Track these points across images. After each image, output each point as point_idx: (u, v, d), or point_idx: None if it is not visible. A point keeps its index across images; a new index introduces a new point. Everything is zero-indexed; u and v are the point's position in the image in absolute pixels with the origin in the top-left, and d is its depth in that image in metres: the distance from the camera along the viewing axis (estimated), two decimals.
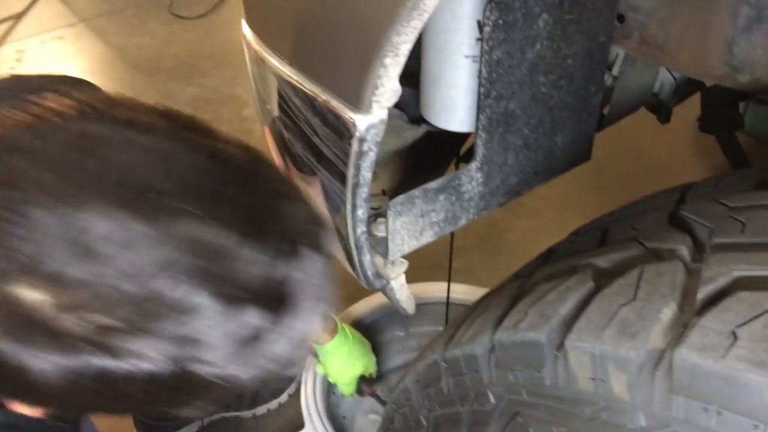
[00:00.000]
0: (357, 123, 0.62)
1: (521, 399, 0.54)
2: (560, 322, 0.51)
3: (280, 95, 0.72)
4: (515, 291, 0.61)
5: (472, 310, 0.66)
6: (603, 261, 0.54)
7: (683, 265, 0.52)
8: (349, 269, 0.88)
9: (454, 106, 0.88)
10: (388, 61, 0.57)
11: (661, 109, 1.21)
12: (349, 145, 0.63)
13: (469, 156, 1.15)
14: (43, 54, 2.89)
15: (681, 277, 0.49)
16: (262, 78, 0.76)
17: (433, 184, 0.85)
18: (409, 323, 1.61)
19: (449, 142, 1.05)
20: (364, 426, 1.43)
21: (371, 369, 1.20)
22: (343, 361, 1.14)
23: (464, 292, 1.50)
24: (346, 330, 1.15)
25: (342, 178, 0.69)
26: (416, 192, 0.84)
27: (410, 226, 0.87)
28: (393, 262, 0.90)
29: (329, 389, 1.39)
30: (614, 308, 0.48)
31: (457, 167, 1.14)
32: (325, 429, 1.24)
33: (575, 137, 0.98)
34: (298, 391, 1.55)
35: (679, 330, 0.45)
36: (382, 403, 1.28)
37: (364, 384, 1.25)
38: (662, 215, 0.61)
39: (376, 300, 1.52)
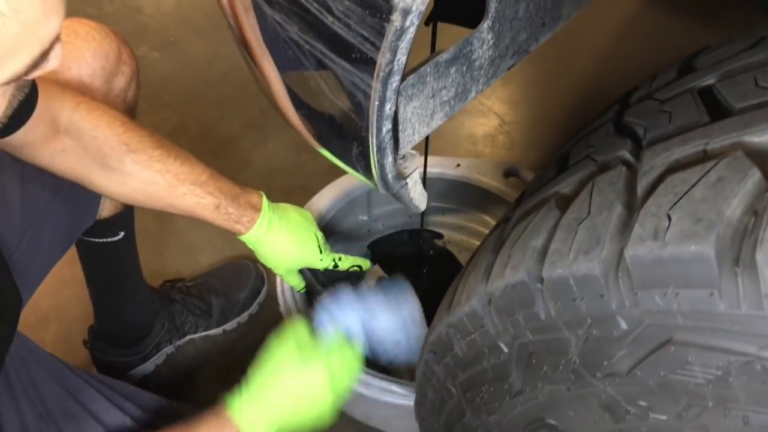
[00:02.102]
0: None
1: (675, 323, 0.43)
2: (730, 229, 0.40)
3: None
4: (627, 181, 0.49)
5: (556, 215, 0.53)
6: None
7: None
8: (358, 175, 0.72)
9: None
10: None
11: None
12: (387, 21, 0.46)
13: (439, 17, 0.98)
14: None
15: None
16: None
17: (444, 56, 0.69)
18: (371, 205, 1.49)
19: None
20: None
21: (314, 262, 1.03)
22: (270, 250, 0.97)
23: (433, 164, 1.38)
24: (275, 216, 0.97)
25: (368, 66, 0.52)
26: (427, 68, 0.67)
27: (421, 111, 0.72)
28: (404, 157, 0.75)
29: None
30: None
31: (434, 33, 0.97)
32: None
33: None
34: (268, 300, 1.43)
35: None
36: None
37: (315, 279, 1.09)
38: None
39: (335, 189, 1.38)
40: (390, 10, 0.46)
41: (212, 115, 1.82)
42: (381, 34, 0.48)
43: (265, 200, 0.97)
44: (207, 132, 1.78)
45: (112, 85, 0.97)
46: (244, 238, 0.95)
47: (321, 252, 1.02)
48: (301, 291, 1.11)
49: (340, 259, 1.06)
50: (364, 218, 1.50)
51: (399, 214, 1.51)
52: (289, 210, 1.02)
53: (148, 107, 1.82)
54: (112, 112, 0.87)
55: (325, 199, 1.36)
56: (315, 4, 0.50)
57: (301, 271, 1.08)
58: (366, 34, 0.49)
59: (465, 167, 1.41)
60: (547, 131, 1.76)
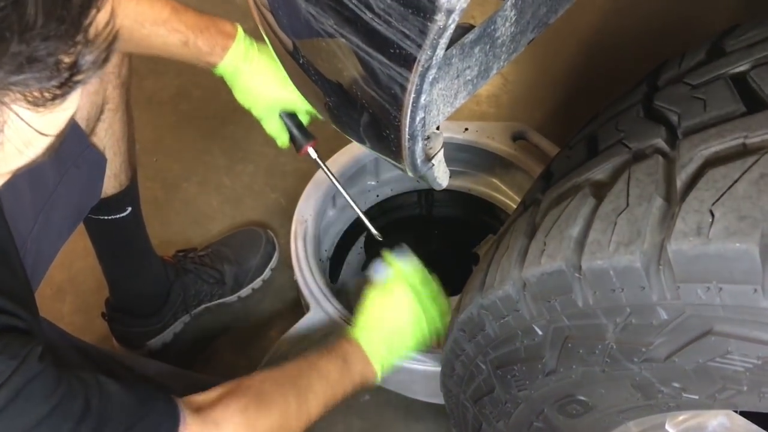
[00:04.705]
0: None
1: (716, 315, 0.45)
2: None
3: None
4: (664, 172, 0.49)
5: (592, 204, 0.54)
6: None
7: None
8: (386, 157, 0.73)
9: None
10: None
11: None
12: (430, 21, 0.46)
13: None
14: None
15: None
16: None
17: (470, 36, 0.69)
18: (379, 171, 1.50)
19: None
20: (358, 286, 1.36)
21: (297, 103, 0.94)
22: (248, 83, 0.89)
23: (441, 129, 1.38)
24: (253, 46, 0.88)
25: (406, 61, 0.52)
26: (453, 50, 0.68)
27: (446, 92, 0.72)
28: (428, 137, 0.76)
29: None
30: None
31: None
32: (334, 307, 1.15)
33: None
34: (280, 265, 1.45)
35: None
36: (324, 167, 1.11)
37: (302, 135, 1.01)
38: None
39: (343, 155, 1.38)
40: (434, 10, 0.46)
41: (214, 80, 1.78)
42: (423, 32, 0.48)
43: (240, 29, 0.90)
44: (210, 97, 1.76)
45: None
46: (219, 69, 0.88)
47: None
48: (284, 147, 1.02)
49: None
50: (373, 183, 1.51)
51: (407, 179, 1.52)
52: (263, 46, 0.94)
53: (149, 73, 1.79)
54: None
55: (335, 167, 1.36)
56: (355, 1, 0.50)
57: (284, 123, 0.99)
58: (407, 32, 0.49)
59: (473, 131, 1.41)
60: (551, 90, 1.76)
